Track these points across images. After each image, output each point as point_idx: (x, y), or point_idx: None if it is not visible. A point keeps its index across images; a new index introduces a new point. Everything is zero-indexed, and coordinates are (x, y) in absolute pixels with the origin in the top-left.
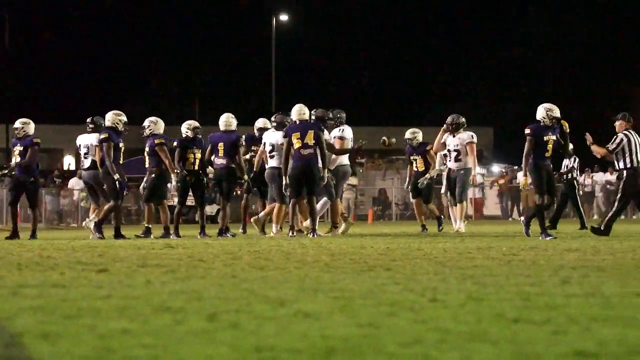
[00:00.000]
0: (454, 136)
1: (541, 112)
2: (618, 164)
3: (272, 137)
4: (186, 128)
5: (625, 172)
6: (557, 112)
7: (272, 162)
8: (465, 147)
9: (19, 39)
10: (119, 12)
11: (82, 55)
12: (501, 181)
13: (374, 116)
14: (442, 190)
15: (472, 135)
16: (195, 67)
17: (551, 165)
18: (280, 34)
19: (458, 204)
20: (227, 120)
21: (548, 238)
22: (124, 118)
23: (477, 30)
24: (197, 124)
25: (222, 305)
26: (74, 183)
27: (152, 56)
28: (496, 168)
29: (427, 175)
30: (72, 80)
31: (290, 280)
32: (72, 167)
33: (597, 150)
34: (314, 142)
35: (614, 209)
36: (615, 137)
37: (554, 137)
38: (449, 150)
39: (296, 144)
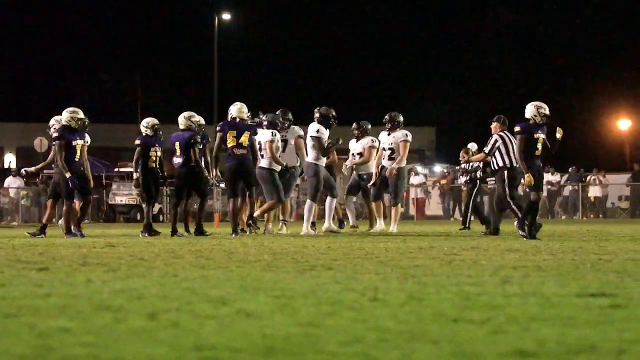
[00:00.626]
0: (389, 134)
1: (531, 110)
2: (496, 164)
3: (262, 136)
4: (145, 126)
5: (505, 172)
6: (547, 110)
7: (262, 162)
8: (398, 144)
9: None
10: (64, 9)
11: (23, 51)
12: (443, 181)
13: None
14: (369, 184)
15: (406, 134)
16: (138, 64)
17: (542, 165)
18: (223, 32)
19: (393, 207)
20: (182, 120)
21: (531, 239)
22: (79, 115)
23: (422, 28)
24: (155, 121)
25: (163, 304)
26: (10, 182)
27: (96, 52)
28: (438, 168)
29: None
30: (12, 77)
31: (231, 279)
32: (13, 165)
33: (476, 158)
34: (248, 144)
35: (519, 215)
36: (489, 139)
37: (543, 136)
38: (384, 148)
39: (230, 142)
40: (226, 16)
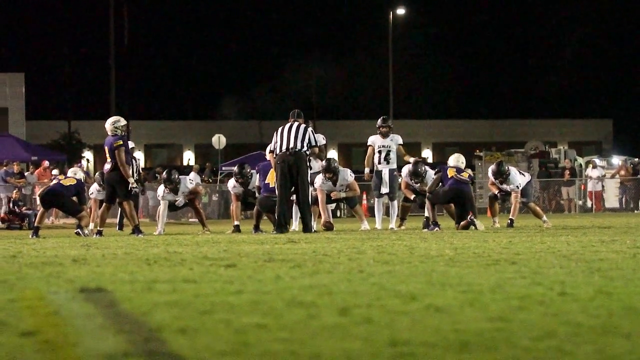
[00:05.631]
0: (384, 137)
1: None
2: None
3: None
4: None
5: None
6: None
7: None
8: (397, 147)
9: None
10: (243, 8)
11: (200, 51)
12: (622, 173)
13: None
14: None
15: (399, 138)
16: (314, 63)
17: None
18: (397, 28)
19: (394, 202)
20: (108, 125)
21: None
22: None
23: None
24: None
25: (353, 300)
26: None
27: (271, 51)
28: (616, 160)
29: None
30: (190, 76)
31: (417, 275)
32: (192, 162)
33: None
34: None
35: None
36: None
37: None
38: (379, 151)
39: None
40: (401, 11)
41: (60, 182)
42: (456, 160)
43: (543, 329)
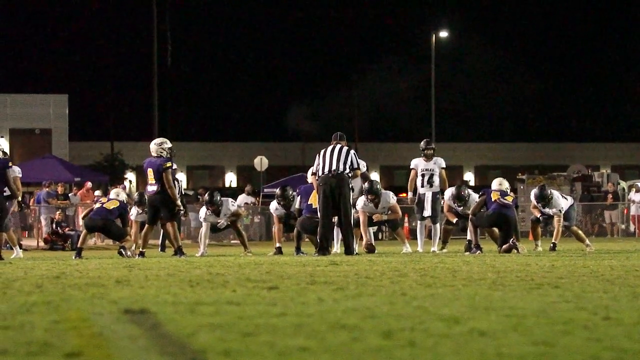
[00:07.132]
0: (427, 160)
1: None
2: None
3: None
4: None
5: None
6: None
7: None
8: (440, 170)
9: None
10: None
11: (240, 77)
12: None
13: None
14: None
15: (443, 161)
16: (353, 84)
17: None
18: (440, 50)
19: (436, 225)
20: (153, 147)
21: None
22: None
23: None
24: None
25: (396, 323)
26: (242, 199)
27: (308, 75)
28: None
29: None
30: (232, 99)
31: (460, 298)
32: (234, 184)
33: None
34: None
35: None
36: None
37: None
38: (423, 175)
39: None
40: (443, 34)
41: (104, 205)
42: (499, 184)
43: (587, 353)
